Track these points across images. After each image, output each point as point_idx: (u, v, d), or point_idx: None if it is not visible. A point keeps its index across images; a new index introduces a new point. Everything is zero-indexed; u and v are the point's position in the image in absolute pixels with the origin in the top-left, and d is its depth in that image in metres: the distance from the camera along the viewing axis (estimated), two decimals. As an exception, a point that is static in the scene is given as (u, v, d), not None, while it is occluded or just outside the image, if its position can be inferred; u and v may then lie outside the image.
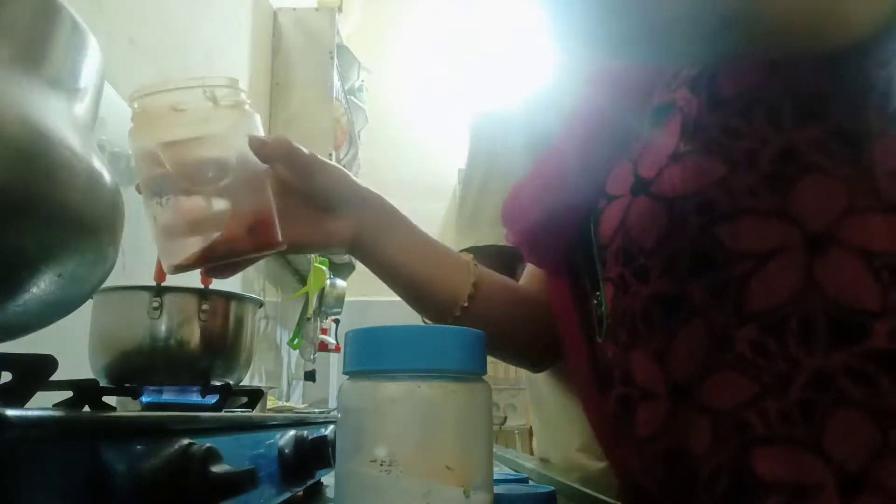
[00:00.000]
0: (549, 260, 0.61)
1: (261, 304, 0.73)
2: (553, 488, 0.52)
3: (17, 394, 0.43)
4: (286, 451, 0.55)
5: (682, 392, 0.42)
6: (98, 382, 0.62)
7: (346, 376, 0.34)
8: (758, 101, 0.40)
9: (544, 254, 0.61)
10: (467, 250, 0.87)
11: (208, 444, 0.32)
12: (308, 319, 2.19)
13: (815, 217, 0.38)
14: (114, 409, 0.64)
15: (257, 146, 0.51)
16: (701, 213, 0.41)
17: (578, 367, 0.57)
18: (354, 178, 0.60)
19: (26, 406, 0.36)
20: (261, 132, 0.53)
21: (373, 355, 0.32)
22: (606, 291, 0.50)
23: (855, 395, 0.36)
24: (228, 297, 0.67)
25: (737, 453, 0.39)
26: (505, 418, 3.41)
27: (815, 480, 0.37)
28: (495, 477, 0.50)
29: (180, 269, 0.49)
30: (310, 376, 2.42)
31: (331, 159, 2.04)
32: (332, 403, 2.87)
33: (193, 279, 0.65)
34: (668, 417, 0.43)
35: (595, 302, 0.53)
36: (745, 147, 0.40)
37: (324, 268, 2.19)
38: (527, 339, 0.69)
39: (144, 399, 0.64)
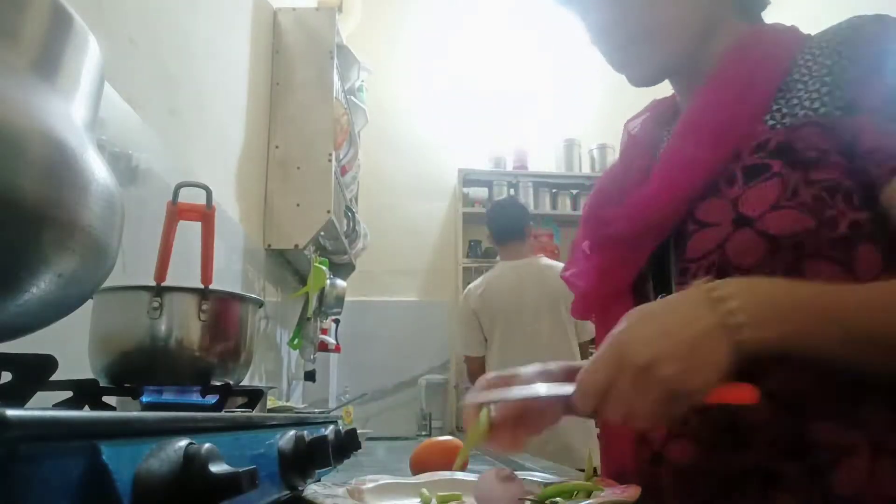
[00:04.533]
0: (628, 266, 0.72)
1: (261, 304, 0.73)
2: None
3: (17, 394, 0.43)
4: (286, 451, 0.55)
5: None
6: (98, 382, 0.62)
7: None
8: (839, 186, 0.58)
9: (631, 258, 0.71)
10: None
11: (208, 444, 0.32)
12: (308, 319, 2.19)
13: (863, 271, 0.58)
14: (114, 409, 0.64)
15: None
16: (795, 250, 0.58)
17: None
18: None
19: (26, 406, 0.36)
20: None
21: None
22: None
23: None
24: (228, 297, 0.67)
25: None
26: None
27: None
28: None
29: None
30: (310, 376, 2.42)
31: (331, 159, 2.05)
32: (333, 403, 2.87)
33: (193, 279, 0.65)
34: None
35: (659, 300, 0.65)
36: (830, 214, 0.58)
37: (324, 268, 2.19)
38: None
39: (144, 399, 0.64)
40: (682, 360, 0.47)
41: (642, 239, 0.69)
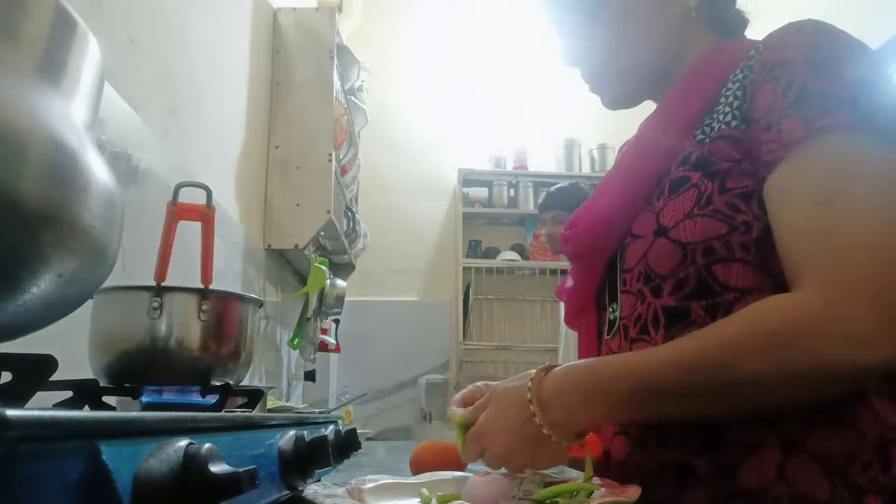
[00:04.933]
0: (588, 280, 0.77)
1: (261, 304, 0.73)
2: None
3: (17, 394, 0.43)
4: (286, 451, 0.55)
5: None
6: (98, 382, 0.62)
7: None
8: (752, 193, 0.60)
9: (588, 273, 0.77)
10: None
11: (208, 444, 0.32)
12: (308, 319, 2.19)
13: (781, 272, 0.57)
14: (114, 409, 0.64)
15: None
16: (705, 255, 0.60)
17: (587, 352, 0.78)
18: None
19: (26, 406, 0.36)
20: None
21: None
22: (623, 302, 0.70)
23: None
24: (228, 297, 0.67)
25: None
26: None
27: None
28: None
29: None
30: (310, 376, 2.42)
31: (331, 159, 2.05)
32: (332, 403, 2.87)
33: (193, 279, 0.65)
34: None
35: (609, 311, 0.74)
36: (743, 219, 0.60)
37: (324, 268, 2.19)
38: None
39: (144, 399, 0.64)
40: (525, 452, 0.59)
41: (592, 255, 0.74)
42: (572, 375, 0.59)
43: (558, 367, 0.61)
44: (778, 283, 0.58)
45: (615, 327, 0.71)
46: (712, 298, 0.60)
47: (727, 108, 0.65)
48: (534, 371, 0.61)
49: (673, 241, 0.62)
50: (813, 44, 0.59)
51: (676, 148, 0.67)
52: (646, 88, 0.78)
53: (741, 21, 0.77)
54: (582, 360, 0.61)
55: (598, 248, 0.73)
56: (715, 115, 0.66)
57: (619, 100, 0.78)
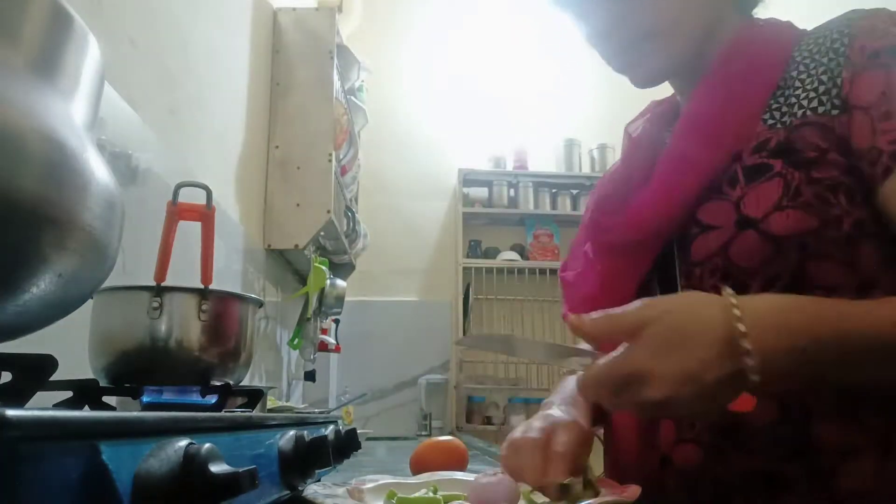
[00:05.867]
0: (631, 273, 0.71)
1: (261, 304, 0.73)
2: None
3: (17, 394, 0.43)
4: (286, 451, 0.55)
5: None
6: (98, 382, 0.62)
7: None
8: (840, 185, 0.58)
9: (633, 264, 0.71)
10: None
11: (208, 444, 0.32)
12: (308, 319, 2.19)
13: (866, 269, 0.57)
14: (114, 409, 0.64)
15: None
16: (798, 250, 0.57)
17: None
18: None
19: (26, 406, 0.36)
20: None
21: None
22: None
23: None
24: (228, 297, 0.67)
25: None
26: (505, 418, 3.41)
27: None
28: None
29: None
30: (310, 376, 2.42)
31: (331, 159, 2.05)
32: (332, 403, 2.87)
33: (193, 279, 0.65)
34: None
35: None
36: (834, 213, 0.57)
37: (324, 268, 2.19)
38: None
39: (144, 399, 0.64)
40: (694, 403, 0.48)
41: (644, 245, 0.68)
42: (780, 338, 0.49)
43: (757, 298, 0.53)
44: (862, 280, 0.57)
45: None
46: (804, 293, 0.56)
47: (810, 94, 0.61)
48: (714, 296, 0.51)
49: (763, 234, 0.58)
50: None
51: (745, 132, 0.63)
52: (678, 65, 0.71)
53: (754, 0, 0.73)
54: (783, 297, 0.54)
55: (655, 238, 0.68)
56: (787, 99, 0.62)
57: (651, 77, 0.71)
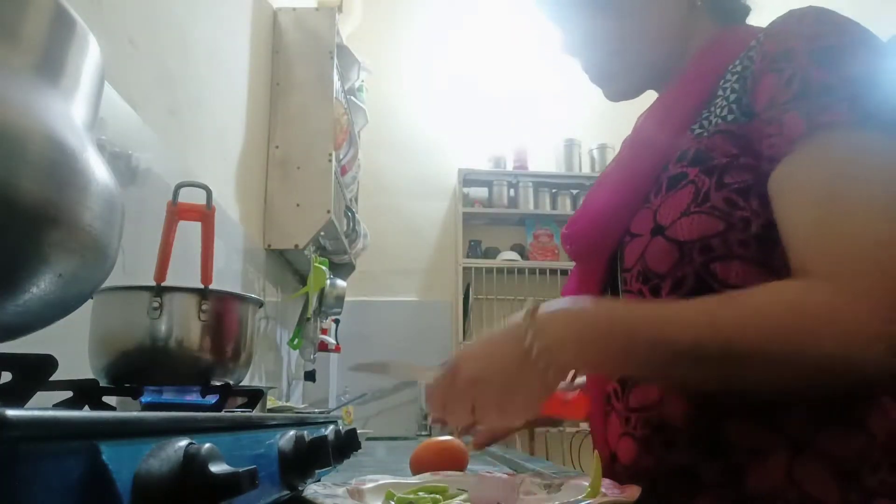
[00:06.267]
0: (589, 280, 0.75)
1: (261, 304, 0.73)
2: None
3: (17, 394, 0.43)
4: (286, 451, 0.55)
5: None
6: (98, 382, 0.62)
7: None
8: (751, 189, 0.58)
9: (589, 272, 0.75)
10: None
11: (208, 444, 0.32)
12: (308, 319, 2.19)
13: (780, 268, 0.56)
14: (114, 409, 0.64)
15: None
16: (702, 253, 0.59)
17: None
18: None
19: (26, 406, 0.36)
20: None
21: None
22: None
23: None
24: (228, 297, 0.67)
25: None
26: (505, 418, 3.41)
27: None
28: None
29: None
30: (310, 376, 2.42)
31: (331, 159, 2.05)
32: (332, 403, 2.87)
33: (193, 279, 0.65)
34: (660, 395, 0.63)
35: None
36: (741, 215, 0.58)
37: (324, 268, 2.19)
38: None
39: (144, 399, 0.64)
40: (499, 376, 0.55)
41: (593, 253, 0.73)
42: (580, 306, 0.57)
43: (564, 298, 0.60)
44: (779, 278, 0.56)
45: None
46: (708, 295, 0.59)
47: (724, 103, 0.63)
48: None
49: (669, 240, 0.61)
50: (815, 33, 0.57)
51: (674, 144, 0.66)
52: (649, 80, 0.76)
53: (743, 8, 0.75)
54: (591, 298, 0.60)
55: (598, 247, 0.71)
56: (713, 109, 0.64)
57: (623, 92, 0.76)
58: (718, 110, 0.63)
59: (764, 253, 0.58)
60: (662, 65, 0.73)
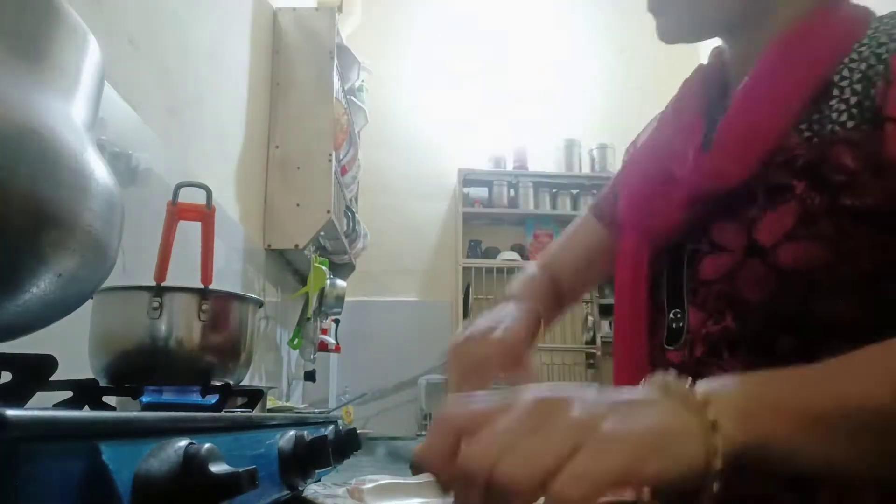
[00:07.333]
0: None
1: (261, 304, 0.73)
2: None
3: (17, 394, 0.43)
4: (286, 451, 0.55)
5: None
6: (98, 382, 0.62)
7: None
8: (864, 213, 0.50)
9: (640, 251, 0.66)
10: None
11: (208, 445, 0.32)
12: (308, 319, 2.19)
13: (884, 317, 0.49)
14: (114, 409, 0.64)
15: None
16: (806, 287, 0.52)
17: (631, 353, 0.65)
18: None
19: (26, 406, 0.36)
20: None
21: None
22: (692, 315, 0.60)
23: None
24: (228, 297, 0.67)
25: None
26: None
27: None
28: None
29: None
30: (310, 376, 2.42)
31: (331, 159, 2.05)
32: (332, 403, 2.87)
33: (193, 279, 0.65)
34: None
35: (671, 317, 0.63)
36: (851, 246, 0.50)
37: (324, 268, 2.19)
38: None
39: (144, 399, 0.64)
40: (641, 437, 0.33)
41: (648, 232, 0.64)
42: (739, 385, 0.38)
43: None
44: (877, 316, 0.50)
45: (681, 340, 0.61)
46: (804, 333, 0.52)
47: (842, 105, 0.53)
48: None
49: (770, 267, 0.53)
50: None
51: (781, 143, 0.55)
52: (718, 17, 0.63)
53: None
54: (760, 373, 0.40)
55: (663, 228, 0.62)
56: (825, 111, 0.54)
57: (675, 29, 0.64)
58: (835, 115, 0.53)
59: (867, 289, 0.51)
60: (729, 14, 0.62)
